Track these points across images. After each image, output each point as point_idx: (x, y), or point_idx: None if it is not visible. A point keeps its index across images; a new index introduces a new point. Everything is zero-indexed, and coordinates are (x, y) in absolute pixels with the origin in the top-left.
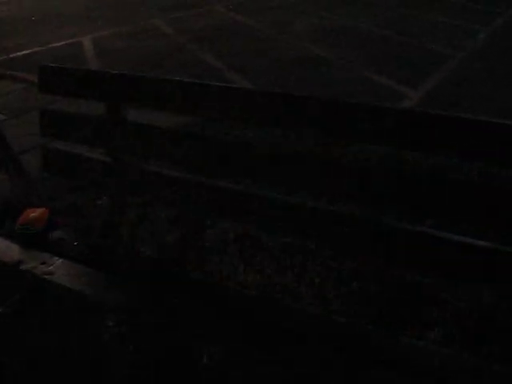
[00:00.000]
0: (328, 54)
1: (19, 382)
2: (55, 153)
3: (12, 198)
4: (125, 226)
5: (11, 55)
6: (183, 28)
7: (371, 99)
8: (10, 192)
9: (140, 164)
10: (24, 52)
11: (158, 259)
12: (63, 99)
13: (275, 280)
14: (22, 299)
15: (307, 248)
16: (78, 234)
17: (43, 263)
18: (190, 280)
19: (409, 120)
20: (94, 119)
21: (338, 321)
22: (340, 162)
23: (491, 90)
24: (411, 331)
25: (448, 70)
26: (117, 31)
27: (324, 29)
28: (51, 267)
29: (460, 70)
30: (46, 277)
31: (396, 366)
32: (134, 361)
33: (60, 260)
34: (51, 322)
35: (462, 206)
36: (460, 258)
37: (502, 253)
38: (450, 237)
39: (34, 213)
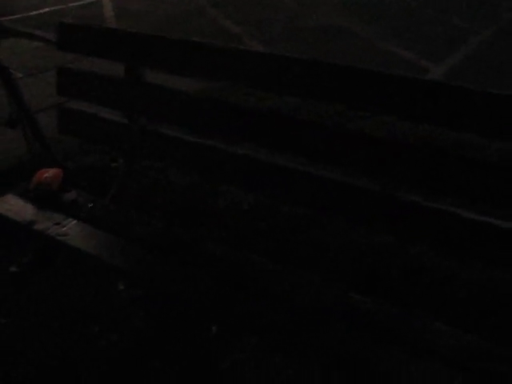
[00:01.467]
0: (350, 24)
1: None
2: (71, 113)
3: (26, 158)
4: (139, 190)
5: (29, 13)
6: None
7: None
8: (24, 151)
9: (156, 127)
10: (42, 10)
11: (170, 225)
12: (81, 58)
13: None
14: (35, 259)
15: (321, 220)
16: (92, 196)
17: (57, 224)
18: (202, 248)
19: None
20: (112, 79)
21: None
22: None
23: None
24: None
25: (472, 45)
26: None
27: (355, 2)
28: (65, 228)
29: (484, 46)
30: (59, 238)
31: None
32: (143, 325)
33: (74, 221)
34: (63, 283)
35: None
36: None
37: None
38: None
39: (48, 173)
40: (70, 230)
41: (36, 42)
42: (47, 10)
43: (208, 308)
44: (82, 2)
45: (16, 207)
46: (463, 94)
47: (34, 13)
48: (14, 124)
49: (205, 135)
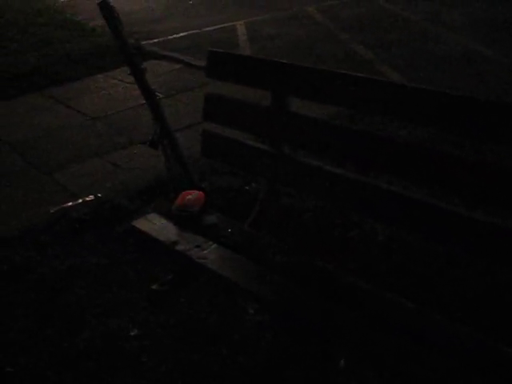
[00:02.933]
0: (487, 49)
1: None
2: (215, 137)
3: (165, 176)
4: (274, 216)
5: (167, 37)
6: (335, 16)
7: None
8: (161, 168)
9: (298, 155)
10: (180, 35)
11: (308, 255)
12: (215, 82)
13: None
14: (176, 279)
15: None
16: (231, 219)
17: (197, 247)
18: (339, 282)
19: None
20: (258, 107)
21: None
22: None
23: None
24: None
25: None
26: (269, 17)
27: (483, 22)
28: (205, 251)
29: None
30: (199, 260)
31: None
32: (270, 352)
33: (214, 245)
34: (198, 303)
35: None
36: None
37: None
38: None
39: (192, 195)
40: (210, 254)
41: (174, 64)
42: (184, 34)
43: (339, 340)
44: (216, 27)
45: (159, 226)
46: None
47: (172, 37)
48: (156, 145)
49: (346, 165)
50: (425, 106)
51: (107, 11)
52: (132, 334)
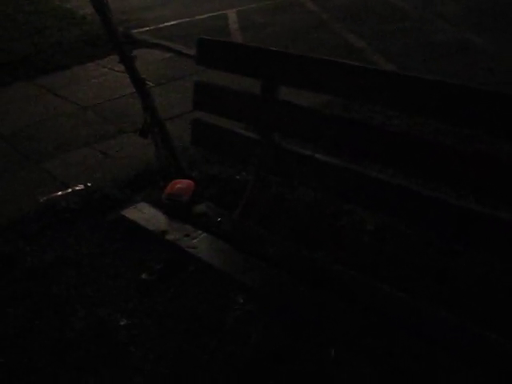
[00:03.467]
0: (481, 39)
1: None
2: (205, 126)
3: (154, 165)
4: (264, 205)
5: (158, 25)
6: (327, 4)
7: None
8: (150, 157)
9: (288, 144)
10: (171, 23)
11: (297, 245)
12: (205, 70)
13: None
14: (166, 268)
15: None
16: (220, 209)
17: (187, 236)
18: (329, 272)
19: None
20: (248, 96)
21: None
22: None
23: None
24: None
25: None
26: (261, 6)
27: (479, 11)
28: (195, 241)
29: None
30: (188, 250)
31: None
32: (260, 341)
33: (203, 234)
34: (187, 292)
35: None
36: None
37: None
38: None
39: (181, 184)
40: (199, 243)
41: (165, 52)
42: (175, 22)
43: (330, 331)
44: (207, 15)
45: (149, 215)
46: None
47: (163, 25)
48: (146, 133)
49: (336, 154)
50: (418, 94)
51: None
52: (121, 323)
